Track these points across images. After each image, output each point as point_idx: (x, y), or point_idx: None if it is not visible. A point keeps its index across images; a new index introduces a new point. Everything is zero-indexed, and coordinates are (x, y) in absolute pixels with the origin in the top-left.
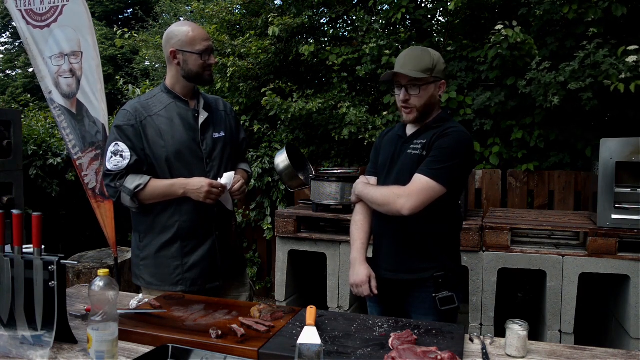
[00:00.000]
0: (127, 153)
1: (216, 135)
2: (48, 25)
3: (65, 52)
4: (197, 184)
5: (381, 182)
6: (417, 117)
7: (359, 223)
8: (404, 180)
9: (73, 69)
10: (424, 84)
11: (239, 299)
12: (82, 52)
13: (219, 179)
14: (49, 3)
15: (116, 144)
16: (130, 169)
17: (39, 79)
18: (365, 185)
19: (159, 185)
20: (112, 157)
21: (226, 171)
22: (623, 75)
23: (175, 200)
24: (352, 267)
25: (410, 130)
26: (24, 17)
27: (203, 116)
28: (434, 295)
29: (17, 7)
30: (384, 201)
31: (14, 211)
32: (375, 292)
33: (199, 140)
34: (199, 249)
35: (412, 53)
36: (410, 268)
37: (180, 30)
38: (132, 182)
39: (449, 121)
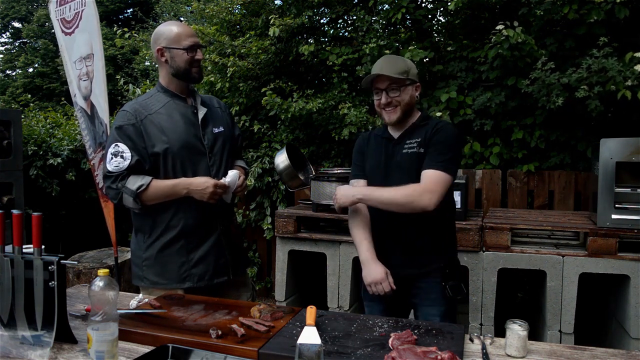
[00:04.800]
0: (127, 154)
1: (216, 130)
2: (73, 32)
3: (83, 55)
4: (202, 185)
5: (377, 184)
6: (400, 117)
7: (360, 224)
8: (408, 179)
9: (88, 72)
10: (402, 85)
11: (239, 299)
12: (93, 54)
13: (223, 178)
14: (74, 10)
15: (116, 145)
16: (131, 170)
17: (68, 83)
18: (370, 188)
19: (161, 185)
20: (112, 158)
21: (227, 165)
22: (629, 83)
23: (178, 199)
24: (366, 267)
25: (396, 132)
26: (60, 26)
27: (202, 112)
28: (443, 283)
29: (56, 17)
30: (406, 200)
31: (14, 211)
32: (394, 287)
33: (200, 135)
34: (204, 244)
35: (387, 59)
36: (419, 262)
37: (166, 28)
38: (134, 182)
39: (432, 118)
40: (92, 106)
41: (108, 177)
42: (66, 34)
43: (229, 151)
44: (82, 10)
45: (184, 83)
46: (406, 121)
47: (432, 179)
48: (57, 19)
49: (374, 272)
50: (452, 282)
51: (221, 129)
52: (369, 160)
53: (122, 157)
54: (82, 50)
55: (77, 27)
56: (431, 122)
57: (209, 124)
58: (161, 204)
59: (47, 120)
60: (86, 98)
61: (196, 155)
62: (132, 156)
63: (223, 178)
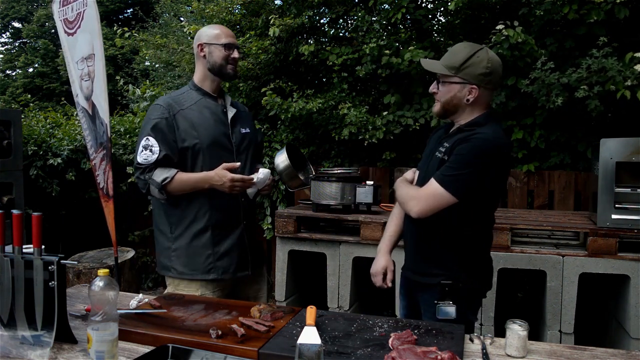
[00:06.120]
0: (156, 148)
1: (243, 130)
2: (75, 32)
3: (85, 55)
4: (219, 180)
5: (418, 179)
6: (439, 112)
7: (394, 216)
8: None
9: (89, 72)
10: (444, 80)
11: (260, 291)
12: (94, 54)
13: (254, 174)
14: (76, 10)
15: (147, 138)
16: (158, 164)
17: (70, 83)
18: (400, 180)
19: (184, 179)
20: (142, 150)
21: (251, 166)
22: (629, 83)
23: (205, 191)
24: (376, 257)
25: (452, 130)
26: (63, 27)
27: (231, 112)
28: (435, 302)
29: (59, 18)
30: (400, 200)
31: (14, 211)
32: (389, 284)
33: (229, 133)
34: (229, 237)
35: (455, 46)
36: (421, 271)
37: (208, 28)
38: (160, 175)
39: (484, 126)
40: (94, 106)
41: (137, 169)
42: (68, 34)
43: (253, 152)
44: (84, 11)
45: (216, 81)
46: (455, 120)
47: (427, 189)
48: (60, 20)
49: (375, 264)
50: (447, 303)
51: (248, 130)
52: (425, 152)
53: (150, 150)
54: (83, 50)
55: (79, 27)
56: (473, 130)
57: (237, 124)
58: (189, 197)
59: (47, 120)
60: (88, 98)
61: (224, 153)
62: (160, 151)
63: (255, 174)
